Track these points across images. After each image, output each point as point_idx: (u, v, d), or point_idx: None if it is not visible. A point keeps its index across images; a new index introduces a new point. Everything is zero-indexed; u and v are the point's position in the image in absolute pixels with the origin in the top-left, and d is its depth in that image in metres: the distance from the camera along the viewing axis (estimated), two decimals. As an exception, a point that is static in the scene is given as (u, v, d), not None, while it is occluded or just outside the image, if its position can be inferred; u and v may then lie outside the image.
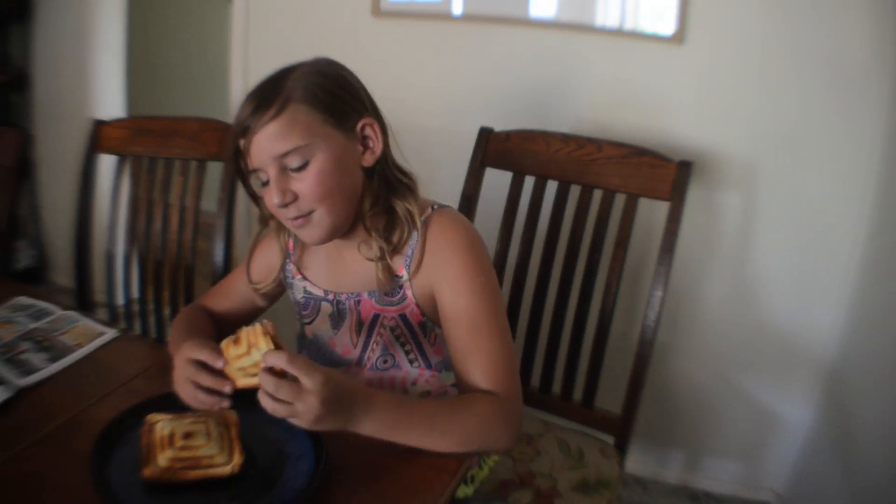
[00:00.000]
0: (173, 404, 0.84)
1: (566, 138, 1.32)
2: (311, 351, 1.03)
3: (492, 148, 1.38)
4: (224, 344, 0.79)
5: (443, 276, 0.90)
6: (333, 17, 1.85)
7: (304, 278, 1.01)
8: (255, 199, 0.93)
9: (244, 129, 0.85)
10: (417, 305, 0.94)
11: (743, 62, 1.52)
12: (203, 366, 0.78)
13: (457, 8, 1.72)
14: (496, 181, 1.38)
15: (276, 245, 1.02)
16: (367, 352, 0.98)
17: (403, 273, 0.92)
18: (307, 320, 1.03)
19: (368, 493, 0.76)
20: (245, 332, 0.77)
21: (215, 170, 1.40)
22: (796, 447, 1.68)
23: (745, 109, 1.55)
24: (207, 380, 0.78)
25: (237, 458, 0.76)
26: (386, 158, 0.93)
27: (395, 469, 0.79)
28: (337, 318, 0.99)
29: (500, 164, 1.37)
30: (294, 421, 0.73)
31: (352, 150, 0.89)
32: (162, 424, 0.80)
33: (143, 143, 1.44)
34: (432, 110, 1.80)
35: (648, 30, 1.57)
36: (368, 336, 0.97)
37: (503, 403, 0.85)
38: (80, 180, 1.46)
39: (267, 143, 0.84)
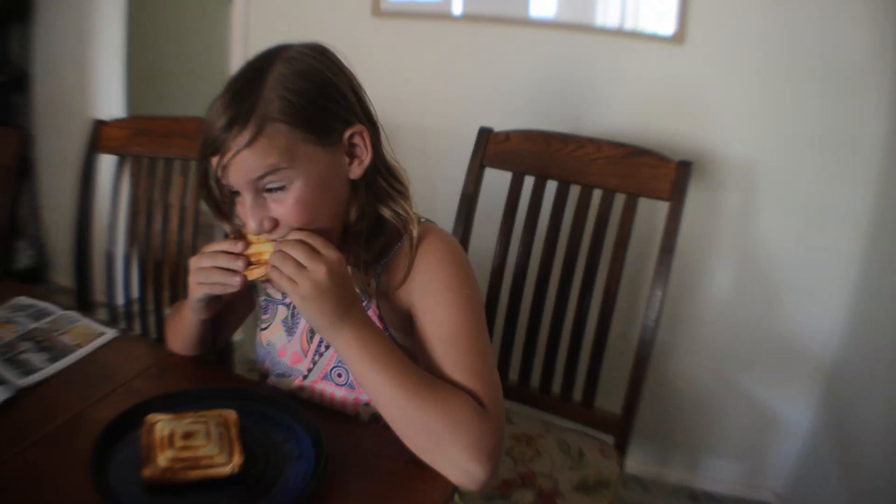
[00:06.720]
0: (173, 404, 0.84)
1: (566, 138, 1.32)
2: (266, 360, 0.99)
3: (491, 148, 1.38)
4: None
5: (426, 289, 0.83)
6: (333, 17, 1.85)
7: (267, 280, 0.95)
8: (223, 216, 0.88)
9: (215, 149, 0.77)
10: (380, 318, 0.87)
11: (743, 62, 1.52)
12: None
13: (457, 8, 1.72)
14: (496, 181, 1.38)
15: None
16: (317, 357, 0.92)
17: (371, 282, 0.86)
18: (264, 325, 0.99)
19: (368, 493, 0.76)
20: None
21: (215, 170, 1.40)
22: (796, 447, 1.68)
23: (744, 109, 1.55)
24: (223, 260, 0.82)
25: (237, 459, 0.76)
26: (376, 165, 0.84)
27: (394, 470, 0.78)
28: (290, 323, 0.96)
29: (500, 164, 1.38)
30: (290, 287, 0.74)
31: (337, 165, 0.81)
32: (162, 424, 0.80)
33: (143, 143, 1.44)
34: (432, 110, 1.80)
35: (648, 30, 1.57)
36: (320, 343, 0.92)
37: (483, 411, 0.75)
38: (80, 180, 1.45)
39: (243, 166, 0.76)
